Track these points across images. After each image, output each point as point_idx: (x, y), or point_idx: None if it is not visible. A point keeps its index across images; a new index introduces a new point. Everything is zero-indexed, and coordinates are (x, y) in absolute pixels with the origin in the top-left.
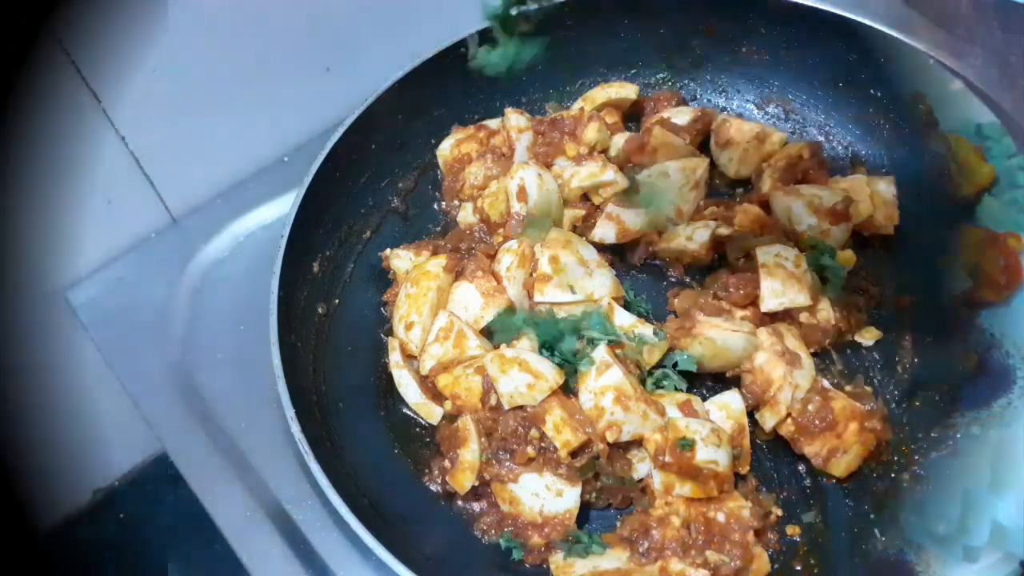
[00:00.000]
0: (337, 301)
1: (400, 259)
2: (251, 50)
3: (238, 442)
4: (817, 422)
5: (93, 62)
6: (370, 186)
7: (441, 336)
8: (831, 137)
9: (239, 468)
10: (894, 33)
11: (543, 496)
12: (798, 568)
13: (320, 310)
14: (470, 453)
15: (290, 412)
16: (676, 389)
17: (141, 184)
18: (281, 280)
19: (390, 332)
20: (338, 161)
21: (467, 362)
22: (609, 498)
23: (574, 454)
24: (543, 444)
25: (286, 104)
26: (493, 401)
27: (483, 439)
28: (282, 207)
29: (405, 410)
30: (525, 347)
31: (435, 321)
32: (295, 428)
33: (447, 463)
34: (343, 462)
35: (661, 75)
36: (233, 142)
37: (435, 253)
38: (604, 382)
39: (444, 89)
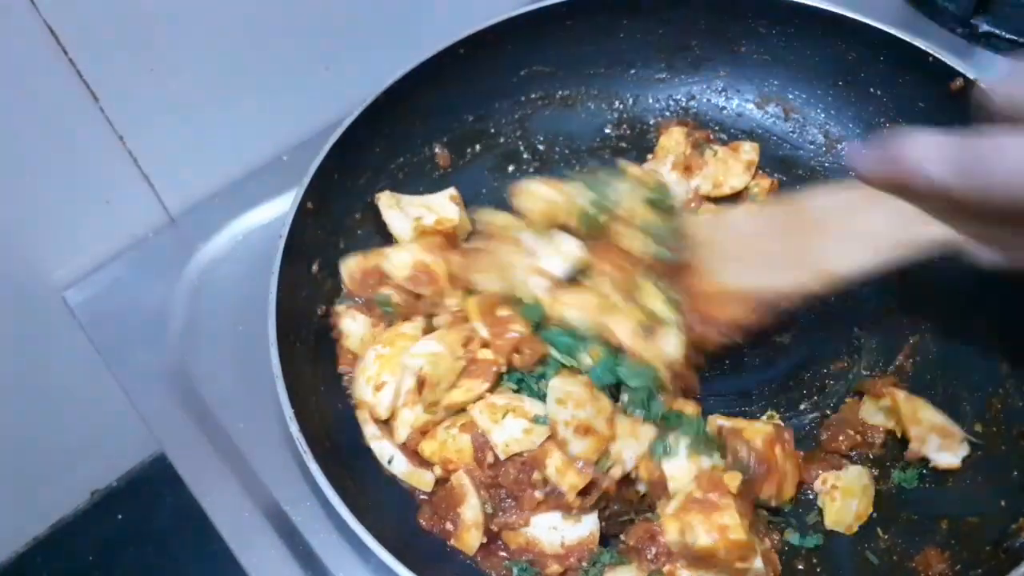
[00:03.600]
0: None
1: (355, 322)
2: (250, 49)
3: (237, 442)
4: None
5: (92, 62)
6: (370, 186)
7: (410, 400)
8: (831, 137)
9: (238, 468)
10: (894, 32)
11: (561, 528)
12: (800, 568)
13: (320, 310)
14: (471, 509)
15: (289, 412)
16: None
17: (139, 184)
18: (280, 280)
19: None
20: (337, 161)
21: (447, 422)
22: (620, 526)
23: (582, 493)
24: (547, 488)
25: (285, 103)
26: (490, 459)
27: (483, 492)
28: (281, 206)
29: None
30: (510, 393)
31: (402, 383)
32: (294, 428)
33: (449, 526)
34: (342, 463)
35: (661, 75)
36: (232, 141)
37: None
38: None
39: (444, 89)
